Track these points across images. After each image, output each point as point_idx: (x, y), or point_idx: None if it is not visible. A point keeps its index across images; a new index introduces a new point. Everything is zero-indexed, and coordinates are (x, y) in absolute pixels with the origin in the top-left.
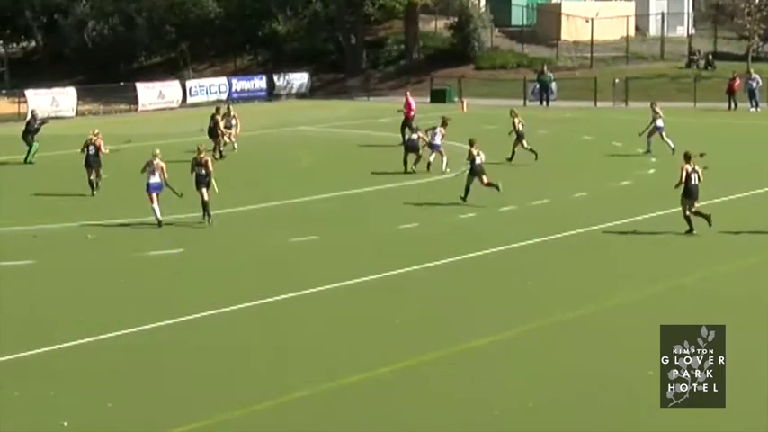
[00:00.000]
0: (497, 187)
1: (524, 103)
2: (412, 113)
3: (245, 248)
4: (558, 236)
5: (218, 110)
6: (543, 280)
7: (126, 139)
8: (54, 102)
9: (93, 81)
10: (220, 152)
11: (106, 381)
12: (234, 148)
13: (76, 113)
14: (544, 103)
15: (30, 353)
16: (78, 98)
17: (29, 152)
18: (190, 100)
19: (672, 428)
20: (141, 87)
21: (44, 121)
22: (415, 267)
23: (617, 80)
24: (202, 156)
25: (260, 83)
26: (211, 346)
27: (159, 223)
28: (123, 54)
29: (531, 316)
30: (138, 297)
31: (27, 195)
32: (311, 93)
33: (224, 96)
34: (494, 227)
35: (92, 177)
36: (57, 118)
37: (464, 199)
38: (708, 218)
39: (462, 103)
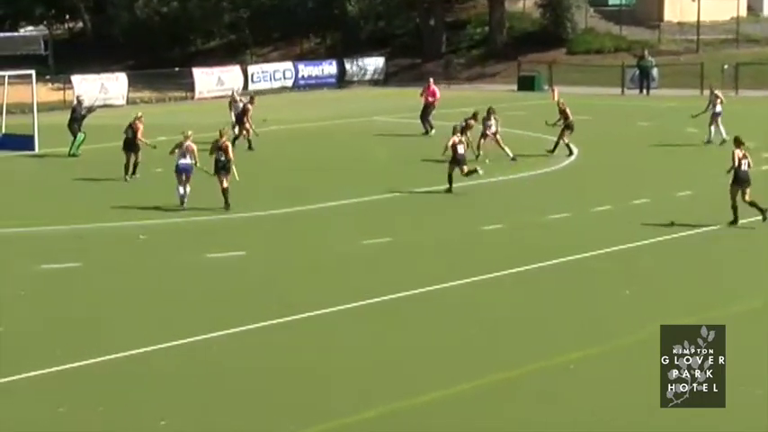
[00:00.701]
0: (476, 170)
1: (622, 92)
2: (431, 100)
3: (314, 250)
4: (660, 239)
5: (251, 99)
6: (647, 286)
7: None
8: (103, 88)
9: (145, 66)
10: (249, 142)
11: (206, 382)
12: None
13: (127, 101)
14: (644, 91)
15: (129, 352)
16: (129, 85)
17: (73, 143)
18: (252, 87)
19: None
20: (198, 73)
21: (91, 108)
22: (499, 273)
23: (726, 66)
24: (224, 140)
25: (329, 68)
26: (313, 347)
27: (182, 203)
28: (178, 36)
29: (636, 325)
30: (208, 301)
31: (72, 191)
32: (386, 79)
33: (289, 83)
34: (587, 228)
35: (129, 162)
36: (105, 106)
37: (450, 190)
38: (764, 212)
39: (553, 91)
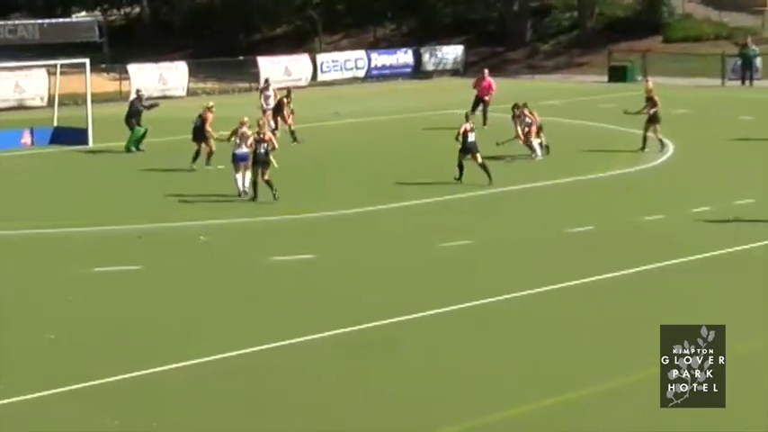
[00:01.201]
0: (488, 175)
1: (722, 83)
2: (485, 95)
3: (388, 253)
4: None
5: (289, 92)
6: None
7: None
8: (161, 79)
9: (207, 54)
10: (292, 135)
11: (273, 391)
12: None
13: (187, 92)
14: (747, 82)
15: (186, 362)
16: (190, 74)
17: (130, 138)
18: (321, 77)
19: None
20: (264, 62)
21: (154, 103)
22: (586, 280)
23: None
24: (265, 132)
25: (405, 57)
26: (388, 355)
27: (239, 194)
28: (242, 22)
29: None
30: (273, 307)
31: (128, 188)
32: (465, 69)
33: (361, 73)
34: (684, 230)
35: (200, 151)
36: (164, 97)
37: (459, 179)
38: None
39: (647, 82)
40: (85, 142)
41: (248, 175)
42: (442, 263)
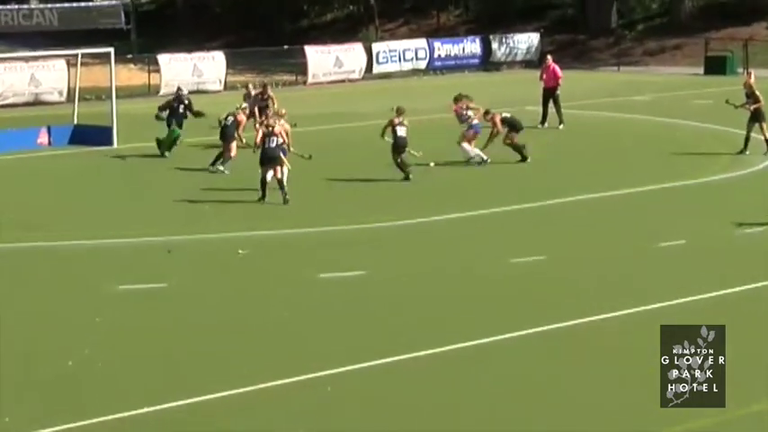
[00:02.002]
0: (407, 175)
1: None
2: (551, 84)
3: (449, 270)
4: None
5: (265, 87)
6: None
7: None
8: (195, 70)
9: (247, 43)
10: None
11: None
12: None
13: (225, 86)
14: None
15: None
16: (227, 66)
17: (166, 140)
18: (377, 69)
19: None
20: (312, 52)
21: (200, 112)
22: (681, 300)
23: None
24: (273, 125)
25: (471, 46)
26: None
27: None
28: (288, 7)
29: None
30: (323, 331)
31: (158, 195)
32: (541, 60)
33: (422, 65)
34: None
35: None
36: (199, 92)
37: (407, 179)
38: None
39: (749, 75)
40: (110, 143)
41: (286, 170)
42: (516, 281)
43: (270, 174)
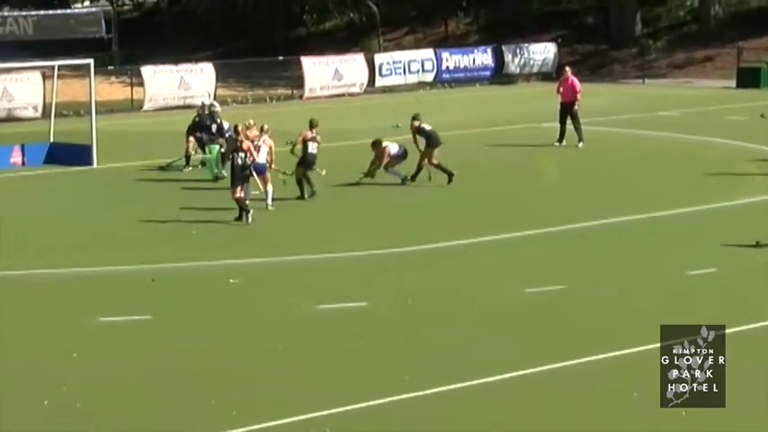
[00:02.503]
0: (303, 194)
1: None
2: (571, 98)
3: (459, 300)
4: None
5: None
6: None
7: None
8: (182, 83)
9: (239, 54)
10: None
11: None
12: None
13: (214, 100)
14: None
15: None
16: (217, 79)
17: (211, 161)
18: (380, 82)
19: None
20: (309, 63)
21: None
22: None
23: None
24: (243, 140)
25: (483, 57)
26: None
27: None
28: (282, 15)
29: None
30: (324, 369)
31: (141, 218)
32: (558, 72)
33: (429, 77)
34: None
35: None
36: (185, 107)
37: (302, 197)
38: None
39: None
40: (89, 162)
41: (270, 188)
42: (532, 312)
43: (240, 190)
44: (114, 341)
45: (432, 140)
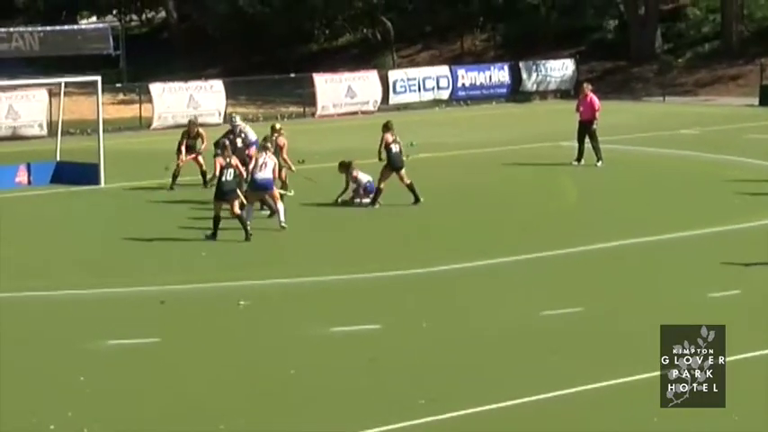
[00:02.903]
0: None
1: None
2: (590, 116)
3: (473, 323)
4: None
5: (190, 123)
6: None
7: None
8: (192, 101)
9: (249, 71)
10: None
11: None
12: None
13: (224, 119)
14: None
15: None
16: (227, 96)
17: None
18: (394, 99)
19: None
20: (321, 81)
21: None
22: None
23: None
24: (230, 155)
25: (499, 74)
26: None
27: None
28: (294, 31)
29: None
30: (339, 395)
31: (151, 239)
32: (576, 89)
33: (445, 95)
34: None
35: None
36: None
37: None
38: None
39: None
40: (96, 182)
41: (281, 206)
42: (548, 336)
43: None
44: (122, 364)
45: (392, 162)
